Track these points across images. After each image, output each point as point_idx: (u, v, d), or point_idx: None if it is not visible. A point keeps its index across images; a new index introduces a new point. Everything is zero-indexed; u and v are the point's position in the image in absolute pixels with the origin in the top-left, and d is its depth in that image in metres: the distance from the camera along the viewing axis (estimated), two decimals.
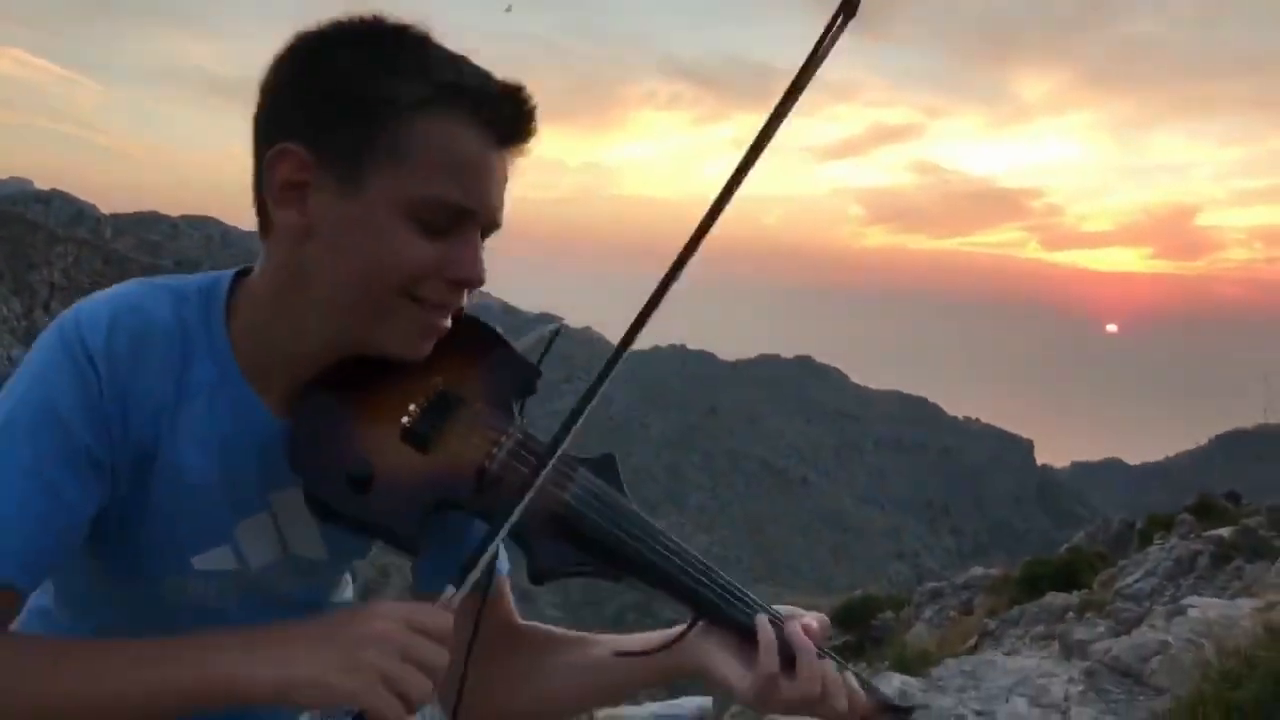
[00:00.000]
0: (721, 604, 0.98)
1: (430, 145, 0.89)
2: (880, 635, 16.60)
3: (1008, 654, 5.77)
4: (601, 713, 4.02)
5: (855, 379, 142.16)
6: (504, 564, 1.11)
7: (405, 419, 0.96)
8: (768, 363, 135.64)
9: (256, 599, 1.02)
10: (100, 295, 0.92)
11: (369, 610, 0.82)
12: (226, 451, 0.95)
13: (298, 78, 0.91)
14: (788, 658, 0.93)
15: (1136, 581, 11.43)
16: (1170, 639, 4.72)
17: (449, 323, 0.97)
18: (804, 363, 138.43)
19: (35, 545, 0.84)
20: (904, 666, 5.47)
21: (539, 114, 0.93)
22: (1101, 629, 5.78)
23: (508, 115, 0.92)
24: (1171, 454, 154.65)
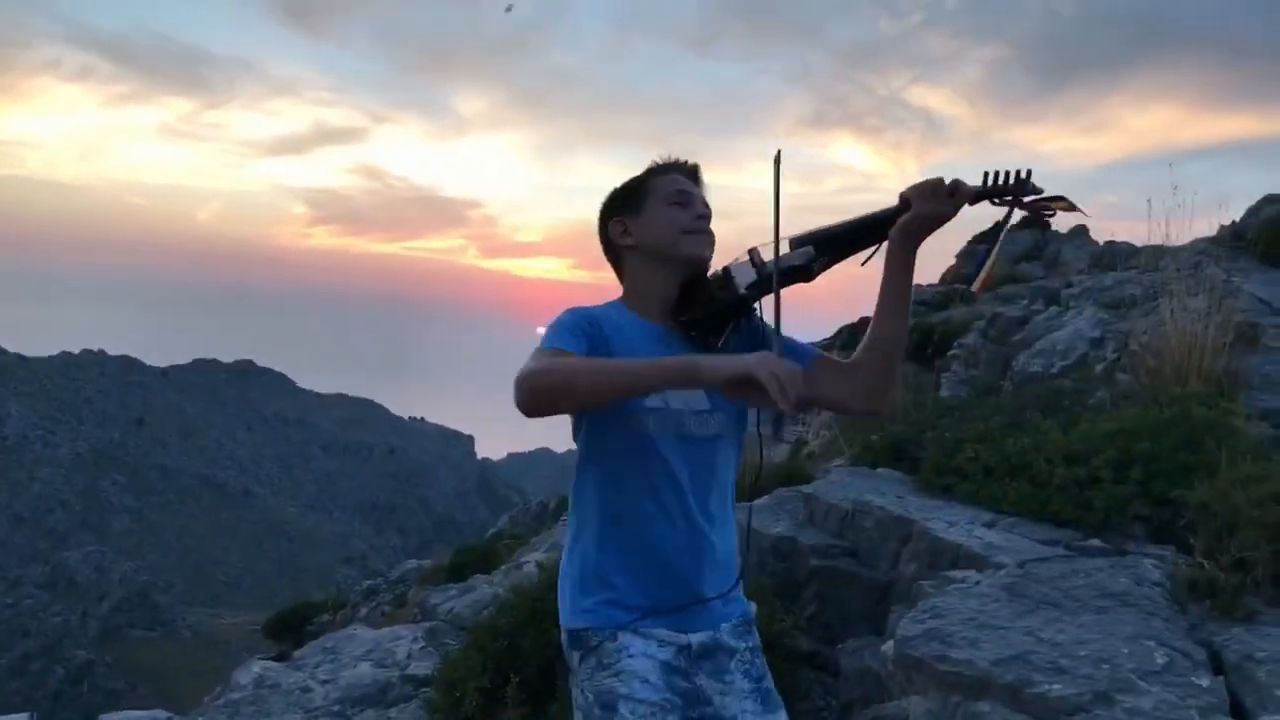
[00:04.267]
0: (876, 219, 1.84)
1: (659, 186, 2.01)
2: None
3: (376, 627, 6.20)
4: None
5: (301, 383, 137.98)
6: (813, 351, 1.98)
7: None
8: (204, 369, 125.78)
9: (671, 434, 1.87)
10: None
11: (761, 353, 1.61)
12: (638, 340, 1.89)
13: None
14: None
15: (539, 555, 12.87)
16: (503, 591, 5.46)
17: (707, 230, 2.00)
18: (245, 368, 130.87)
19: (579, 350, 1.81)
20: None
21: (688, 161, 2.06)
22: (454, 591, 6.48)
23: (694, 171, 2.05)
24: None
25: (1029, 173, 1.73)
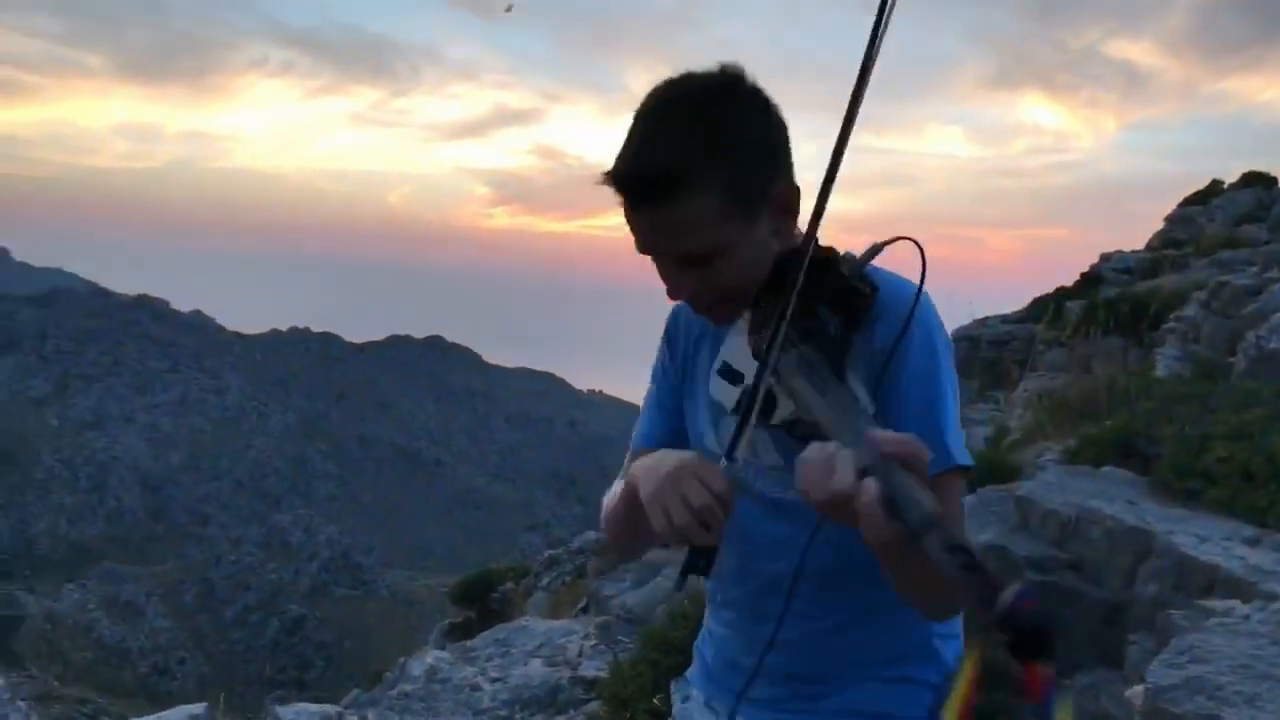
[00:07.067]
0: None
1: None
2: (500, 607, 16.90)
3: (555, 597, 6.06)
4: None
5: (486, 358, 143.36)
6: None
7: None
8: (398, 344, 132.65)
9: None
10: None
11: (681, 458, 1.24)
12: (711, 358, 1.40)
13: None
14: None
15: None
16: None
17: (708, 308, 1.34)
18: (434, 342, 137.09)
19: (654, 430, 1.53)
20: None
21: (662, 180, 1.22)
22: (627, 583, 6.26)
23: (627, 189, 1.27)
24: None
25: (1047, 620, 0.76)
